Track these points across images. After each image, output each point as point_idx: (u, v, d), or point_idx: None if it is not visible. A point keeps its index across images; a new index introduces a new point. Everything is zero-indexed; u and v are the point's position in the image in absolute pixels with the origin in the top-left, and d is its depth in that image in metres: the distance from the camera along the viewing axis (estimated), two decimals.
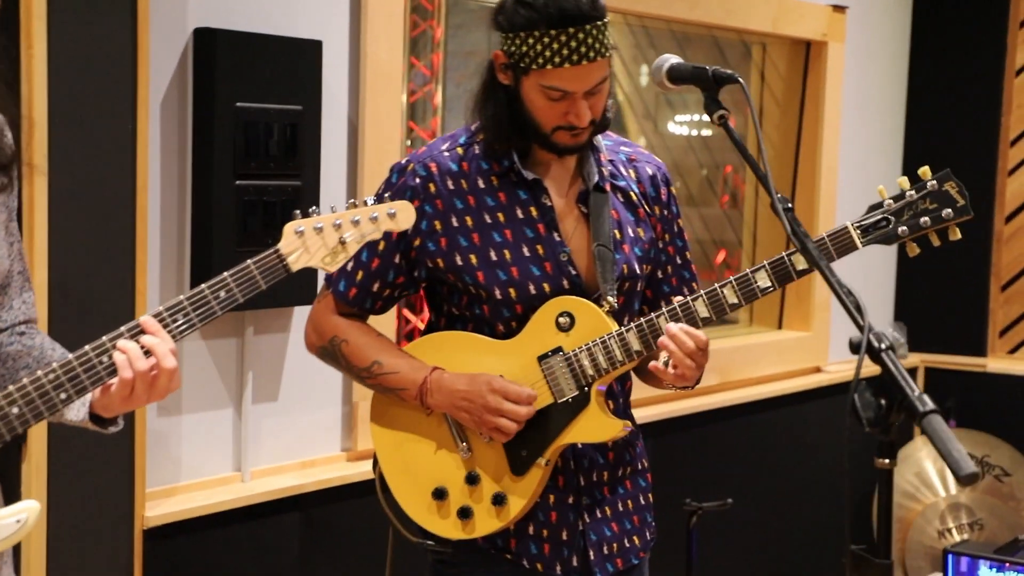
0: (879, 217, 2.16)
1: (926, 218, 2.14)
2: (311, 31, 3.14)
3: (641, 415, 4.13)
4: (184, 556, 2.99)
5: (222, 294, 1.83)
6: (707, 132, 5.14)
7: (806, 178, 4.86)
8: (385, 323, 3.01)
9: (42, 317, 2.65)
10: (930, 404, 1.61)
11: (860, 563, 1.69)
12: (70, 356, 1.77)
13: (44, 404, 1.74)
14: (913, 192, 2.14)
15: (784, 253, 2.16)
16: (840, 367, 4.93)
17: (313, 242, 1.88)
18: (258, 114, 2.95)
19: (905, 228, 2.14)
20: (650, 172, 2.39)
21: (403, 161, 2.32)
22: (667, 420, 4.14)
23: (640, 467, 2.44)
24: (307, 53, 3.08)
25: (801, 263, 2.14)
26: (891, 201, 2.16)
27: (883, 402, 1.66)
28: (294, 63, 3.05)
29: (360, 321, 2.36)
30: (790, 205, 1.91)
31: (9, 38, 2.58)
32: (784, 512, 4.72)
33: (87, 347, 1.77)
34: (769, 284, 2.17)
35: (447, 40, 3.99)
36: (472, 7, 4.04)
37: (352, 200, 1.92)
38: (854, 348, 1.69)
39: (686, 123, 5.16)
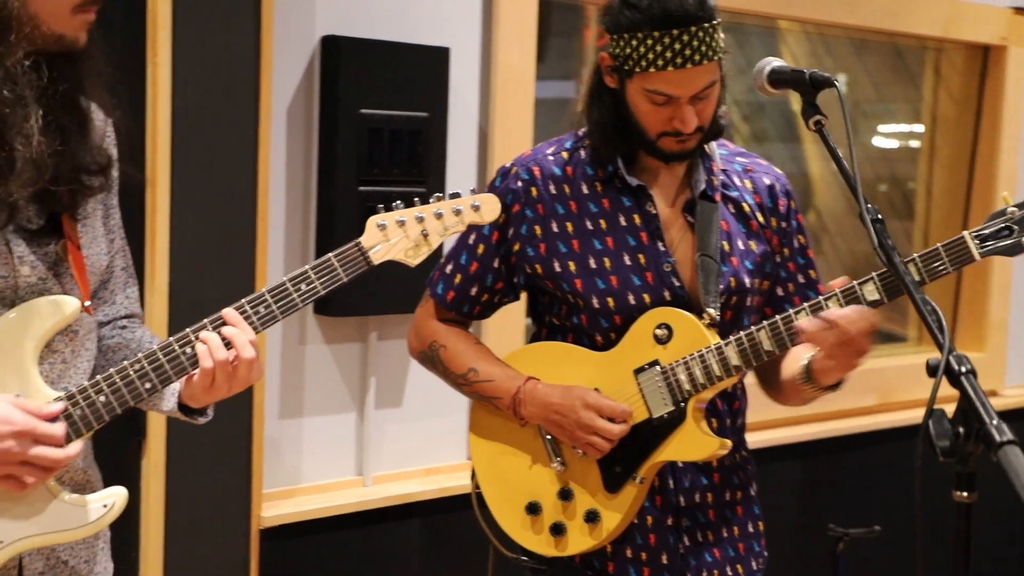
0: (1001, 226, 2.01)
1: None
2: (439, 39, 3.16)
3: (790, 435, 4.04)
4: (301, 557, 3.05)
5: (303, 286, 1.84)
6: (892, 144, 4.97)
7: (982, 188, 4.62)
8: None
9: (162, 318, 2.74)
10: (1008, 434, 1.48)
11: None
12: (155, 348, 1.81)
13: (130, 393, 1.79)
14: None
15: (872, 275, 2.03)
16: (1018, 391, 4.66)
17: (396, 235, 1.88)
18: (382, 120, 2.99)
19: None
20: (767, 183, 2.29)
21: (508, 164, 2.29)
22: (818, 441, 4.00)
23: (751, 493, 2.34)
24: (434, 60, 3.10)
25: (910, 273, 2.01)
26: (1015, 209, 2.01)
27: (961, 430, 1.54)
28: (420, 70, 3.07)
29: (460, 327, 2.34)
30: (880, 216, 1.79)
31: (113, 45, 2.67)
32: (939, 543, 4.50)
33: (172, 338, 1.82)
34: (877, 297, 2.04)
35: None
36: None
37: (438, 194, 1.91)
38: (931, 371, 1.57)
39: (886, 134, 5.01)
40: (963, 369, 1.57)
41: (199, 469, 2.84)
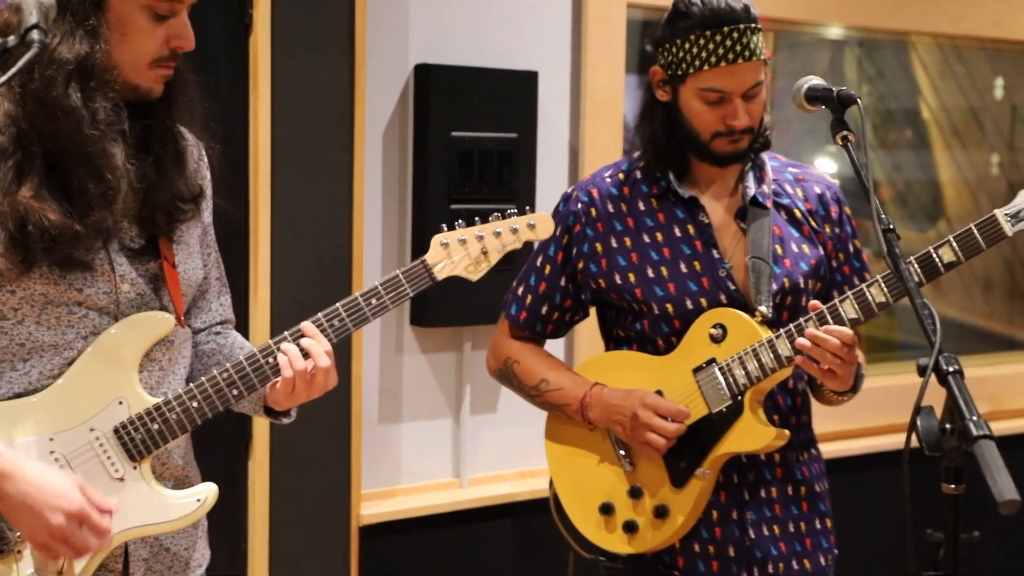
0: None
1: None
2: (527, 63, 3.30)
3: (890, 442, 4.00)
4: (399, 554, 3.18)
5: (373, 301, 1.98)
6: None
7: None
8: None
9: (265, 330, 2.93)
10: (984, 429, 1.56)
11: None
12: (241, 358, 1.98)
13: (219, 399, 1.95)
14: None
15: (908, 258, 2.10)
16: None
17: (457, 253, 2.01)
18: (472, 142, 3.15)
19: None
20: (818, 191, 2.38)
21: (569, 189, 2.43)
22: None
23: (818, 489, 2.40)
24: (523, 83, 3.24)
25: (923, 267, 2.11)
26: None
27: (947, 426, 1.62)
28: (510, 93, 3.22)
29: (533, 344, 2.46)
30: (892, 226, 1.88)
31: (217, 79, 2.87)
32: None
33: (256, 349, 1.98)
34: (884, 300, 2.13)
35: None
36: None
37: (496, 212, 2.04)
38: (921, 371, 1.66)
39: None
40: (950, 369, 1.64)
41: (301, 470, 3.00)
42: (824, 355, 2.12)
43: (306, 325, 1.97)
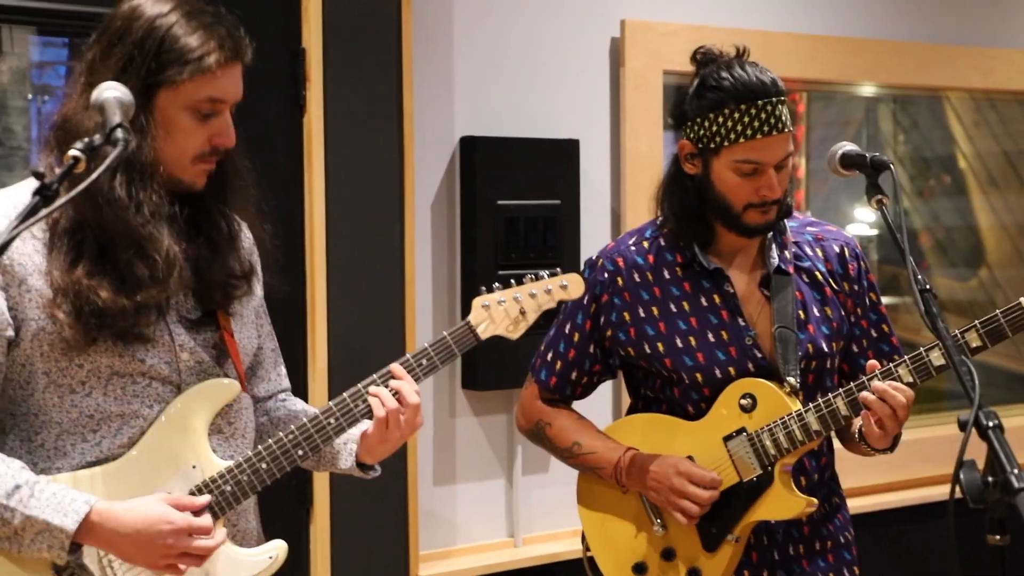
0: None
1: None
2: (569, 131, 3.39)
3: (936, 493, 4.00)
4: None
5: (424, 361, 2.08)
6: None
7: None
8: None
9: (323, 396, 3.01)
10: None
11: None
12: (305, 420, 2.05)
13: (286, 460, 2.03)
14: None
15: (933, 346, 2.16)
16: None
17: (497, 314, 2.12)
18: (517, 210, 3.24)
19: None
20: (837, 250, 2.41)
21: (594, 257, 2.46)
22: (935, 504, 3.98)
23: (843, 540, 2.43)
24: (565, 152, 3.34)
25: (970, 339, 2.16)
26: None
27: (989, 479, 1.67)
28: (552, 161, 3.31)
29: (563, 406, 2.51)
30: (928, 286, 1.94)
31: (275, 160, 2.97)
32: None
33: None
34: (943, 363, 2.17)
35: None
36: None
37: (530, 275, 2.15)
38: (961, 426, 1.71)
39: None
40: (990, 424, 1.68)
41: (361, 532, 3.05)
42: (884, 409, 2.16)
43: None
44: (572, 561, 3.32)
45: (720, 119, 2.24)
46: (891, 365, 2.20)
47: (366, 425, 2.11)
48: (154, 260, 1.90)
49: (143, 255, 1.91)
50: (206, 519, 1.95)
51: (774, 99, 2.23)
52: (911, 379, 2.19)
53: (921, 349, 2.19)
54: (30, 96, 3.01)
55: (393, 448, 2.11)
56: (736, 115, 2.23)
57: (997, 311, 2.14)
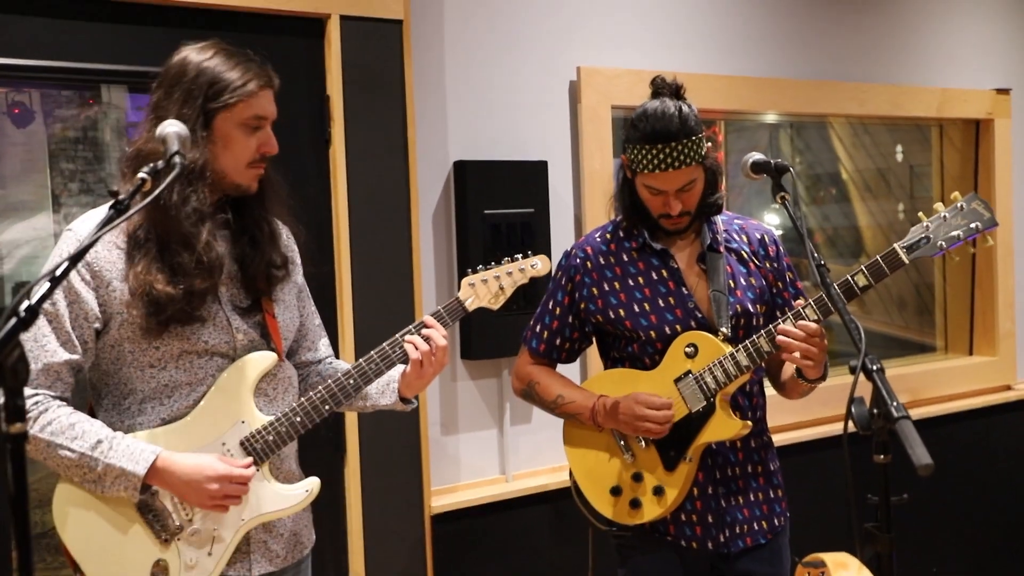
0: (920, 236, 2.09)
1: (958, 231, 2.05)
2: (539, 154, 3.35)
3: (833, 429, 3.99)
4: (463, 536, 3.19)
5: (445, 316, 2.09)
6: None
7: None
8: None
9: (351, 358, 2.96)
10: (903, 412, 1.58)
11: (871, 538, 1.67)
12: (331, 381, 2.02)
13: (316, 414, 2.00)
14: (946, 213, 2.06)
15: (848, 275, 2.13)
16: None
17: (481, 290, 2.11)
18: (500, 217, 3.18)
19: (943, 242, 2.06)
20: (759, 236, 2.41)
21: (569, 248, 2.46)
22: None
23: (771, 468, 2.42)
24: (537, 171, 3.28)
25: (863, 280, 2.12)
26: (929, 224, 2.09)
27: (874, 411, 1.64)
28: (527, 178, 3.26)
29: (549, 368, 2.50)
30: (823, 261, 1.91)
31: (308, 177, 2.91)
32: (970, 512, 4.39)
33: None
34: (816, 318, 2.14)
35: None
36: None
37: (507, 257, 2.14)
38: (851, 369, 1.68)
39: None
40: (874, 368, 1.67)
41: (385, 473, 3.01)
42: (798, 334, 2.13)
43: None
44: (552, 492, 3.31)
45: (635, 151, 2.24)
46: (798, 307, 2.18)
47: (400, 369, 2.09)
48: (196, 250, 1.88)
49: (189, 248, 1.88)
50: (250, 470, 1.92)
51: (673, 142, 2.19)
52: (815, 316, 2.16)
53: (820, 295, 2.15)
54: (127, 148, 2.93)
55: (427, 383, 2.09)
56: (644, 151, 2.22)
57: (877, 256, 2.11)
